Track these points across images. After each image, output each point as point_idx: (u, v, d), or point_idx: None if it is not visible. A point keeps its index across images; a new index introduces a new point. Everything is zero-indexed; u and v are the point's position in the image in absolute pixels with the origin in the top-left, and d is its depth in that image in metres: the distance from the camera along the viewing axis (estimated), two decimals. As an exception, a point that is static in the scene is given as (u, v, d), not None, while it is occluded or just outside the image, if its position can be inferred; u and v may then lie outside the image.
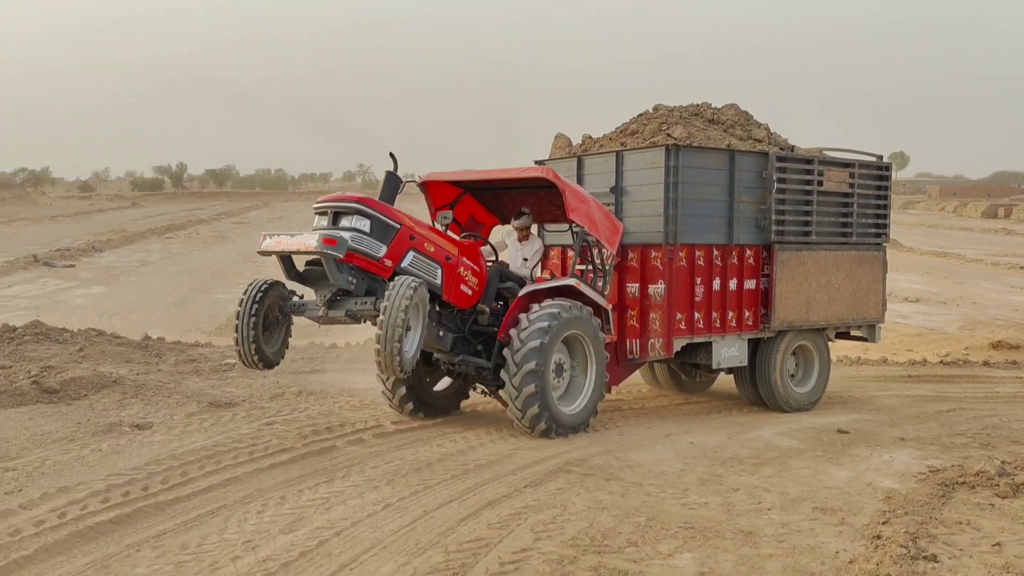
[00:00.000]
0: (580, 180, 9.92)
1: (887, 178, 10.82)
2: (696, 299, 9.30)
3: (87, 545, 5.25)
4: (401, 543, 5.28)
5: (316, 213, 7.84)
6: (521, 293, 8.42)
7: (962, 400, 10.90)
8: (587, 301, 8.60)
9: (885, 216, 10.76)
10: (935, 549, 5.32)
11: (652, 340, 9.17)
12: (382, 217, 7.65)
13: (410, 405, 8.77)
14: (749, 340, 9.82)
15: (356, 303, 7.58)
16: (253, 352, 7.64)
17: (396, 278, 7.26)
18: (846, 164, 10.38)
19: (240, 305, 7.66)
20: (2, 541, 5.26)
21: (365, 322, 7.79)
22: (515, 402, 7.97)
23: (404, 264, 7.72)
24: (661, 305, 9.13)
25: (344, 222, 7.57)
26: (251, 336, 7.59)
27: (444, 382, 9.30)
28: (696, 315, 9.32)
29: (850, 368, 13.51)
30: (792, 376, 10.17)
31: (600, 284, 8.87)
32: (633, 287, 9.34)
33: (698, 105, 10.45)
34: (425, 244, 7.91)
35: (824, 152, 10.55)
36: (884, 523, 5.81)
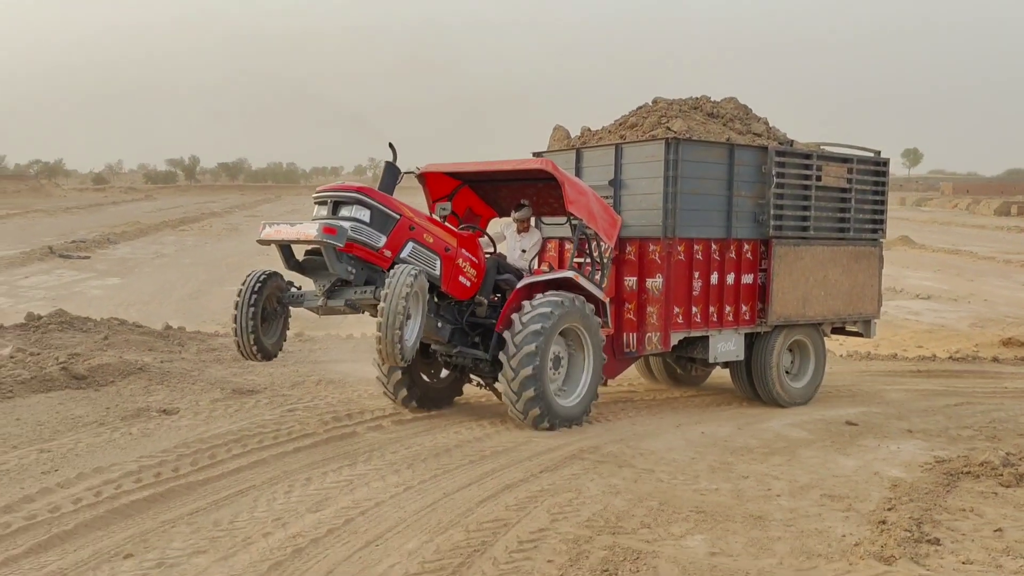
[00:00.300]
0: (578, 172, 9.92)
1: (884, 173, 10.82)
2: (694, 293, 9.31)
3: (124, 521, 5.50)
4: (423, 522, 5.51)
5: (316, 203, 7.86)
6: (519, 285, 8.44)
7: (970, 395, 11.04)
8: (585, 294, 8.61)
9: (882, 212, 10.77)
10: (938, 533, 5.51)
11: (649, 334, 9.19)
12: (382, 207, 7.66)
13: (407, 395, 8.78)
14: (745, 334, 9.85)
15: (356, 292, 7.61)
16: (252, 343, 7.65)
17: (396, 266, 7.30)
18: (844, 159, 10.39)
19: (238, 296, 7.67)
20: (43, 517, 5.50)
21: (364, 312, 7.85)
22: (512, 393, 7.99)
23: (403, 254, 7.74)
24: (659, 299, 9.12)
25: (344, 212, 7.59)
26: (250, 327, 7.61)
27: (441, 373, 9.28)
28: (693, 309, 9.32)
29: (860, 363, 13.67)
30: (788, 371, 10.20)
31: (598, 277, 8.89)
32: (631, 280, 9.35)
33: (697, 99, 10.44)
34: (424, 235, 7.92)
35: (822, 147, 10.58)
36: (889, 509, 6.00)
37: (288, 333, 8.23)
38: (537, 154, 10.52)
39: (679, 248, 9.16)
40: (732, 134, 9.91)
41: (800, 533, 5.51)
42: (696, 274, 9.30)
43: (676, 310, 9.19)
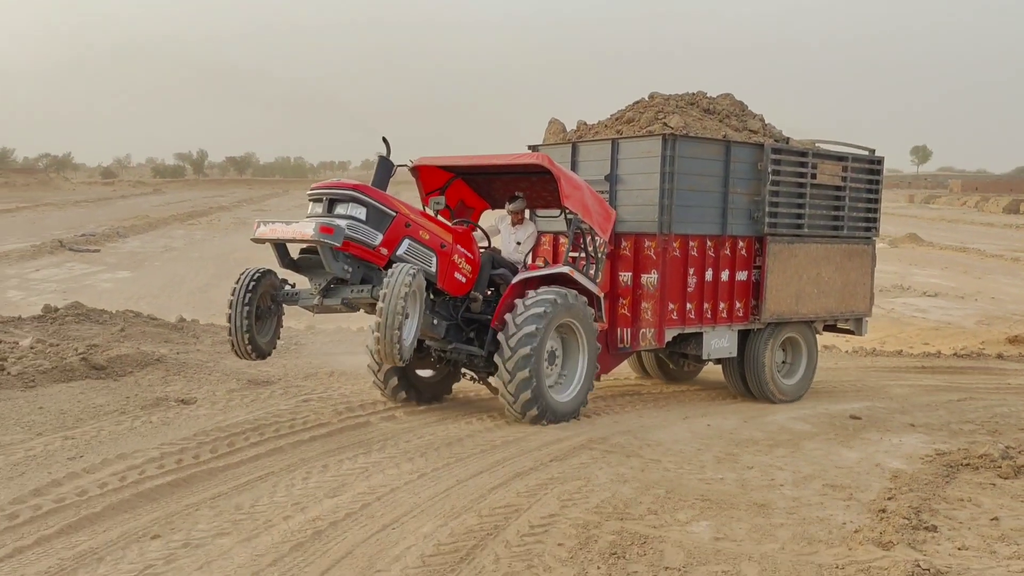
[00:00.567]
0: (574, 166, 9.88)
1: (879, 172, 10.83)
2: (688, 290, 9.31)
3: (149, 504, 5.70)
4: (438, 507, 5.70)
5: (311, 200, 7.80)
6: (514, 281, 8.43)
7: (973, 390, 11.18)
8: (580, 289, 8.61)
9: (876, 210, 10.80)
10: (936, 521, 5.68)
11: (644, 330, 9.19)
12: (378, 205, 7.60)
13: (400, 391, 8.76)
14: (739, 331, 9.88)
15: (352, 291, 7.55)
16: (247, 342, 7.60)
17: (394, 265, 7.24)
18: (839, 157, 10.41)
19: (232, 295, 7.60)
20: (71, 500, 5.71)
21: (360, 310, 7.84)
22: (508, 389, 7.97)
23: (400, 252, 7.69)
24: (654, 295, 9.12)
25: (340, 209, 7.53)
26: (244, 326, 7.54)
27: (433, 367, 9.18)
28: (688, 306, 9.33)
29: (866, 359, 13.82)
30: (780, 368, 10.24)
31: (592, 271, 8.90)
32: (625, 276, 9.32)
33: (693, 94, 10.43)
34: (420, 232, 7.87)
35: (817, 144, 10.58)
36: (889, 499, 6.17)
37: (282, 331, 8.18)
38: (533, 147, 10.49)
39: (674, 244, 9.17)
40: (728, 131, 9.94)
41: (802, 520, 5.69)
42: (691, 270, 9.32)
43: (671, 306, 9.21)
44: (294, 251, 7.80)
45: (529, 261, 9.25)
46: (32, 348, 10.15)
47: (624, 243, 9.34)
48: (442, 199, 8.43)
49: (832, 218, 10.38)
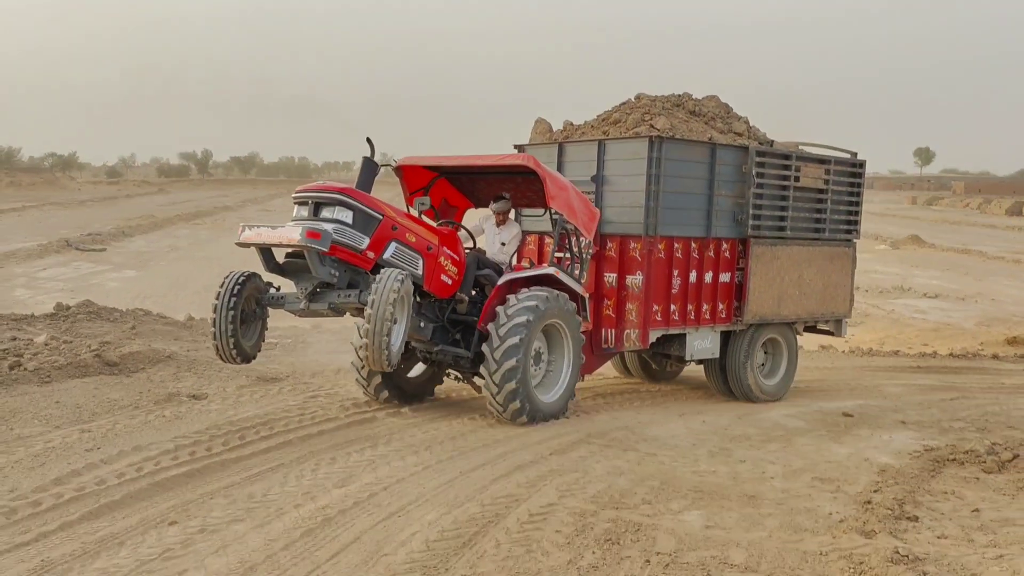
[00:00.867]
0: (560, 167, 9.89)
1: (860, 175, 10.91)
2: (673, 291, 9.36)
3: (166, 493, 5.97)
4: (442, 497, 5.96)
5: (296, 203, 7.73)
6: (500, 282, 8.43)
7: (966, 389, 11.40)
8: (565, 289, 8.63)
9: (857, 213, 10.90)
10: (918, 512, 5.93)
11: (628, 331, 9.25)
12: (364, 208, 7.54)
13: (384, 392, 8.75)
14: (721, 332, 9.97)
15: (339, 296, 7.49)
16: (232, 347, 7.54)
17: (382, 271, 7.18)
18: (822, 160, 10.50)
19: (217, 298, 7.54)
20: (91, 489, 5.98)
21: (346, 315, 7.84)
22: (494, 383, 7.96)
23: (386, 255, 7.64)
24: (638, 296, 9.17)
25: (326, 213, 7.48)
26: (229, 330, 7.48)
27: (417, 368, 9.24)
28: (672, 307, 9.38)
29: (862, 359, 14.04)
30: (761, 368, 10.33)
31: (577, 272, 8.92)
32: (611, 277, 9.37)
33: (679, 96, 10.46)
34: (407, 234, 7.83)
35: (801, 147, 10.66)
36: (876, 491, 6.42)
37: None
38: (519, 147, 10.51)
39: (660, 246, 9.23)
40: (714, 133, 9.98)
41: (790, 511, 5.94)
42: (676, 272, 9.37)
43: (655, 308, 9.26)
44: (279, 255, 7.73)
45: (514, 262, 9.26)
46: (47, 345, 10.42)
47: (610, 244, 9.41)
48: (427, 200, 8.37)
49: (814, 220, 10.47)
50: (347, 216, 7.45)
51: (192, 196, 69.86)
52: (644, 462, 7.07)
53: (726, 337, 10.05)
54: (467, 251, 8.76)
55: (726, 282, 9.83)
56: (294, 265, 7.62)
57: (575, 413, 8.94)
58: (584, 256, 9.03)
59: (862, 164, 10.92)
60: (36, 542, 5.07)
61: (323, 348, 12.49)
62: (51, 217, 44.16)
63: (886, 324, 18.68)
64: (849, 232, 10.87)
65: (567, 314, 8.47)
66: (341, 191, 7.55)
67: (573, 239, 8.94)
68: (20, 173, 78.40)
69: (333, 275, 7.42)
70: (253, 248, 7.60)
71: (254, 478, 6.33)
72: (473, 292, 8.62)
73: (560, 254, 9.04)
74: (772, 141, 10.55)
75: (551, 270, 8.63)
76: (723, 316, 9.84)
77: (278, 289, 7.94)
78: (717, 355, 10.00)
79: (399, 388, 8.88)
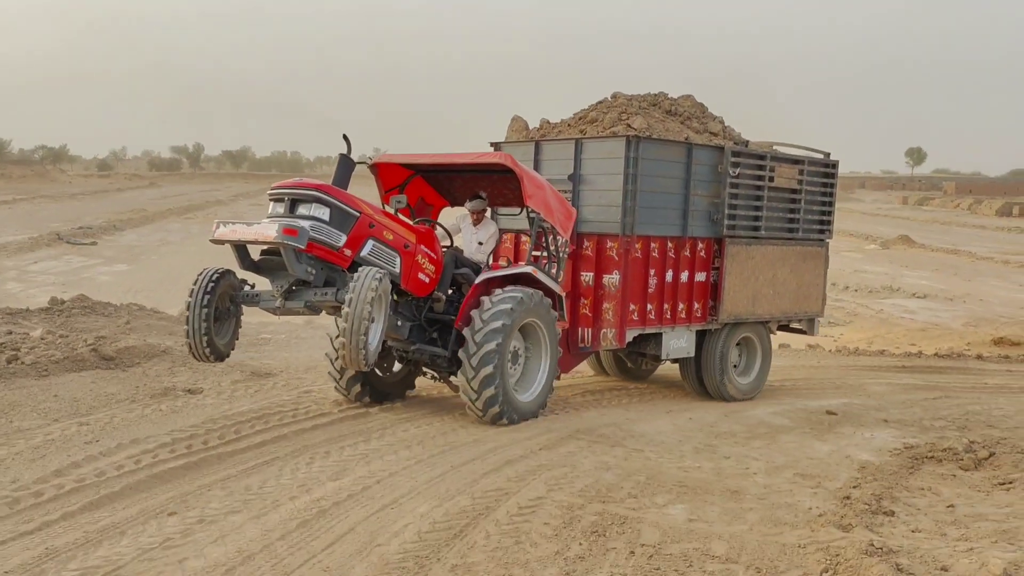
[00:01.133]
0: (537, 165, 9.86)
1: (833, 175, 11.00)
2: (649, 290, 9.39)
3: (164, 485, 6.12)
4: (433, 490, 6.12)
5: (271, 200, 7.64)
6: (477, 280, 8.40)
7: (949, 389, 11.60)
8: (543, 288, 8.61)
9: (830, 213, 10.99)
10: (895, 507, 6.13)
11: (605, 330, 9.26)
12: (341, 205, 7.47)
13: (359, 390, 8.70)
14: (696, 331, 10.04)
15: (316, 294, 7.42)
16: (205, 345, 7.44)
17: (359, 269, 7.11)
18: (796, 160, 10.56)
19: (190, 296, 7.44)
20: (91, 481, 6.13)
21: (322, 313, 7.81)
22: (472, 390, 7.93)
23: (363, 253, 7.58)
24: (615, 295, 9.18)
25: (302, 210, 7.38)
26: (203, 328, 7.38)
27: (393, 367, 9.19)
28: (649, 306, 9.42)
29: (848, 358, 14.24)
30: (735, 367, 10.42)
31: (554, 271, 8.92)
32: (587, 276, 9.37)
33: (655, 95, 10.46)
34: (384, 232, 7.76)
35: (775, 147, 10.72)
36: (855, 487, 6.61)
37: (240, 332, 7.99)
38: (495, 145, 10.46)
39: (637, 245, 9.25)
40: (690, 133, 10.03)
41: (771, 505, 6.12)
42: (652, 271, 9.42)
43: (632, 307, 9.29)
44: (255, 252, 7.65)
45: (491, 261, 9.18)
46: (43, 339, 10.55)
47: (586, 243, 9.42)
48: (404, 198, 8.22)
49: (788, 220, 10.55)
50: (324, 213, 7.37)
51: (184, 190, 69.75)
52: (631, 457, 7.25)
53: (701, 336, 10.13)
54: (444, 249, 8.73)
55: (702, 281, 9.91)
56: (270, 263, 7.53)
57: (564, 410, 9.12)
58: (561, 255, 9.04)
59: (835, 164, 11.02)
60: (39, 531, 5.22)
61: (316, 344, 12.63)
62: (42, 210, 44.08)
63: (874, 324, 18.90)
64: (822, 232, 10.98)
65: (544, 313, 8.48)
66: (318, 188, 7.48)
67: (550, 238, 8.94)
68: (10, 166, 78.07)
69: (310, 273, 7.35)
70: (228, 245, 7.50)
71: (250, 471, 6.49)
72: (450, 291, 8.60)
73: (537, 253, 9.01)
74: (747, 141, 10.62)
75: (529, 269, 8.60)
76: (699, 315, 9.93)
77: (252, 287, 7.86)
78: (693, 354, 10.08)
79: (374, 387, 8.83)
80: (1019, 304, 21.87)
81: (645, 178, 9.18)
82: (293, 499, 5.86)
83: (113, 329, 11.87)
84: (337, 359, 8.62)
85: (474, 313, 8.08)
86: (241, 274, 7.80)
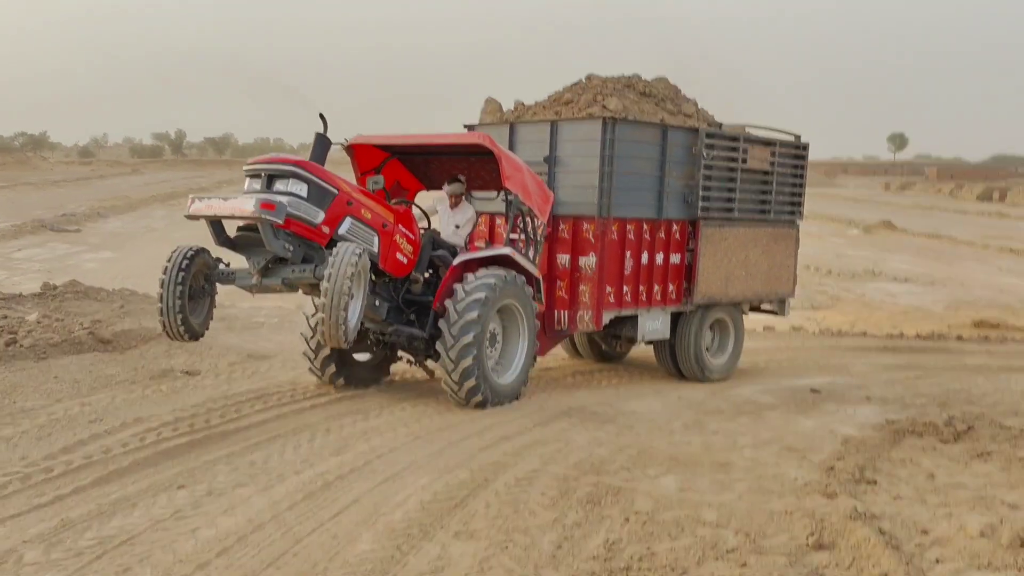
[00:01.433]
0: (512, 147, 9.76)
1: (804, 157, 11.07)
2: (626, 273, 9.39)
3: (170, 461, 6.28)
4: (433, 464, 6.33)
5: (248, 175, 7.53)
6: (455, 262, 8.31)
7: (930, 368, 11.87)
8: (521, 271, 8.58)
9: (800, 195, 11.06)
10: (877, 477, 6.38)
11: (581, 312, 9.26)
12: (320, 181, 7.38)
13: (333, 371, 8.61)
14: (671, 313, 10.09)
15: (294, 271, 7.32)
16: (179, 323, 7.36)
17: (339, 245, 7.02)
18: (768, 142, 10.59)
19: (164, 274, 7.34)
20: (98, 457, 6.29)
21: (299, 290, 7.74)
22: (451, 373, 7.88)
23: (341, 231, 7.48)
24: (592, 278, 9.18)
25: (279, 186, 7.28)
26: (177, 306, 7.29)
27: (369, 352, 9.05)
28: (625, 288, 9.42)
29: (831, 339, 14.51)
30: (708, 348, 10.46)
31: (531, 253, 8.89)
32: (563, 258, 9.38)
33: (629, 77, 10.38)
34: (362, 210, 7.66)
35: (747, 129, 10.71)
36: (839, 459, 6.86)
37: (215, 312, 7.97)
38: (469, 127, 10.40)
39: (613, 228, 9.24)
40: (665, 115, 10.03)
41: (759, 476, 6.36)
42: (628, 254, 9.42)
43: (608, 289, 9.28)
44: (231, 228, 7.54)
45: (468, 244, 9.02)
46: (39, 323, 10.64)
47: (562, 225, 9.40)
48: (380, 179, 8.13)
49: (760, 202, 10.61)
50: (302, 189, 7.28)
51: (167, 177, 69.22)
52: (622, 433, 7.47)
53: (675, 318, 10.20)
54: (422, 231, 8.68)
55: (676, 263, 9.96)
56: (246, 239, 7.42)
57: (555, 389, 9.34)
58: (539, 238, 9.03)
59: (805, 147, 11.11)
60: (52, 504, 5.38)
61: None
62: (24, 197, 43.71)
63: (857, 307, 19.18)
64: (792, 213, 11.08)
65: (523, 295, 8.46)
66: (296, 163, 7.39)
67: (528, 220, 8.91)
68: (-9, 153, 77.37)
69: (287, 249, 7.23)
70: (203, 220, 7.39)
71: (253, 447, 6.66)
72: (428, 273, 8.55)
73: (514, 235, 8.94)
74: (720, 124, 10.65)
75: (507, 250, 8.54)
76: (673, 297, 9.98)
77: (227, 265, 7.79)
78: (668, 336, 10.13)
79: (350, 372, 8.75)
80: (999, 288, 22.23)
81: (621, 160, 9.17)
82: (297, 473, 6.05)
83: (108, 313, 11.96)
84: (314, 336, 8.49)
85: (457, 286, 8.04)
86: (216, 251, 7.69)
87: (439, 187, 9.34)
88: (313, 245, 7.45)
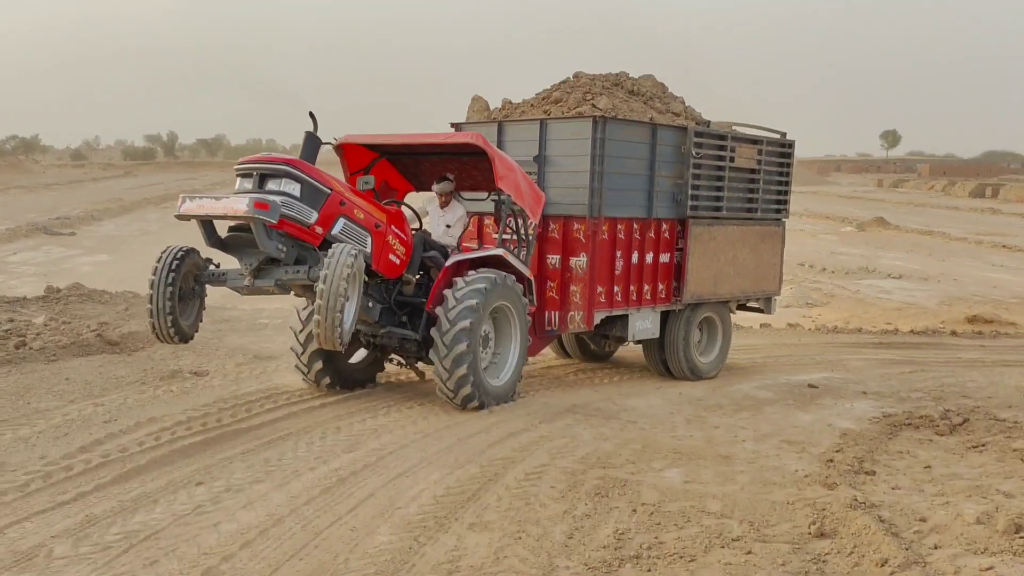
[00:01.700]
0: (500, 146, 9.65)
1: (790, 155, 11.11)
2: (616, 272, 9.39)
3: (187, 459, 6.42)
4: (443, 460, 6.49)
5: (239, 175, 7.40)
6: (448, 263, 8.26)
7: (925, 363, 12.06)
8: (512, 271, 8.53)
9: (786, 192, 11.13)
10: (876, 468, 6.56)
11: (572, 312, 9.23)
12: (312, 181, 7.28)
13: (326, 378, 8.53)
14: (660, 312, 10.09)
15: (287, 272, 7.22)
16: (169, 325, 7.28)
17: (334, 246, 6.95)
18: (754, 141, 10.64)
19: (154, 275, 7.25)
20: (115, 456, 6.42)
21: (292, 292, 7.67)
22: (445, 374, 7.81)
23: (334, 231, 7.41)
24: (583, 278, 9.15)
25: (271, 185, 7.17)
26: (167, 308, 7.20)
27: (359, 354, 9.03)
28: (616, 288, 9.42)
29: (827, 336, 14.70)
30: (697, 346, 10.46)
31: (523, 254, 8.84)
32: (554, 259, 9.34)
33: (617, 75, 10.39)
34: (355, 211, 7.59)
35: (734, 128, 10.75)
36: (837, 451, 7.04)
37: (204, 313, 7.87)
38: (456, 125, 10.32)
39: (604, 227, 9.22)
40: (654, 113, 10.02)
41: (760, 468, 6.54)
42: (619, 253, 9.41)
43: (599, 289, 9.27)
44: (221, 229, 7.43)
45: (460, 244, 8.93)
46: (46, 325, 10.78)
47: (552, 226, 9.37)
48: (371, 179, 8.04)
49: (747, 200, 10.66)
50: (295, 189, 7.19)
51: (160, 179, 69.19)
52: (626, 429, 7.64)
53: (664, 317, 10.20)
54: (413, 232, 8.61)
55: (666, 263, 9.97)
56: (237, 239, 7.31)
57: (559, 387, 9.50)
58: (530, 238, 8.99)
59: (791, 144, 11.17)
60: (76, 501, 5.52)
61: (312, 328, 12.90)
62: (17, 201, 43.71)
63: (851, 304, 19.36)
64: (779, 211, 11.15)
65: (515, 296, 8.42)
66: (289, 162, 7.29)
67: (519, 221, 8.86)
68: (-17, 157, 77.20)
69: (280, 250, 7.13)
70: (194, 221, 7.29)
71: (266, 445, 6.81)
72: (419, 274, 8.47)
73: (506, 236, 8.85)
74: (708, 122, 10.68)
75: (499, 251, 8.49)
76: (663, 296, 10.00)
77: (218, 265, 7.70)
78: (657, 335, 10.12)
79: (340, 375, 8.66)
80: (992, 283, 22.44)
81: (612, 159, 9.15)
82: (312, 469, 6.20)
83: (113, 315, 12.10)
84: (303, 331, 8.41)
85: (447, 292, 7.97)
86: (207, 252, 7.60)
87: (428, 188, 9.30)
88: (306, 246, 7.39)
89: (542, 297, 9.41)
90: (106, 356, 9.78)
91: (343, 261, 6.74)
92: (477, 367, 7.94)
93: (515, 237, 8.91)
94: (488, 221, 9.78)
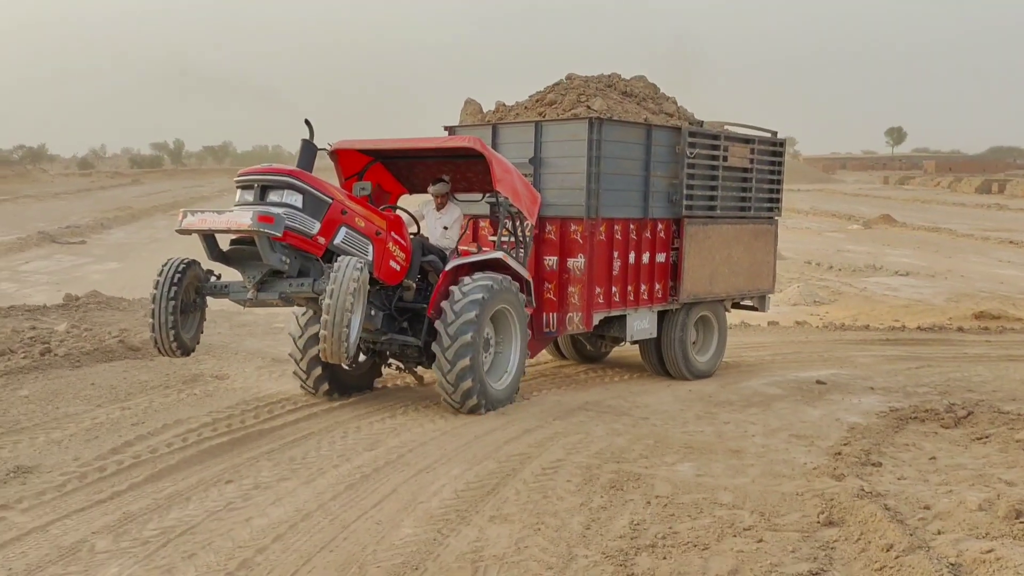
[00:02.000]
0: (495, 149, 9.63)
1: (781, 154, 11.28)
2: (614, 273, 9.45)
3: (215, 459, 6.65)
4: (462, 456, 6.70)
5: (239, 187, 7.35)
6: (447, 268, 8.26)
7: (932, 359, 12.23)
8: (511, 274, 8.55)
9: (778, 191, 11.26)
10: (883, 460, 6.76)
11: (571, 314, 9.26)
12: (314, 191, 7.23)
13: (325, 385, 8.50)
14: (657, 312, 10.17)
15: (291, 285, 7.17)
16: (172, 339, 7.24)
17: (338, 258, 6.92)
18: (747, 140, 10.76)
19: (155, 288, 7.20)
20: (146, 457, 6.66)
21: (296, 304, 7.63)
22: (447, 375, 7.80)
23: (337, 241, 7.38)
24: (580, 279, 9.19)
25: (273, 197, 7.12)
26: (169, 322, 7.15)
27: (357, 360, 8.91)
28: (613, 289, 9.47)
29: (834, 333, 14.86)
30: (693, 345, 10.53)
31: (521, 255, 8.85)
32: (551, 260, 9.37)
33: (609, 76, 10.45)
34: (356, 219, 7.56)
35: (726, 127, 10.87)
36: (845, 444, 7.23)
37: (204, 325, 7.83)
38: (449, 128, 10.37)
39: (601, 228, 9.27)
40: (647, 114, 10.11)
41: (770, 462, 6.74)
42: (616, 254, 9.46)
43: (597, 290, 9.31)
44: (223, 242, 7.40)
45: (458, 247, 8.92)
46: (69, 332, 11.04)
47: (549, 227, 9.39)
48: (368, 184, 8.00)
49: (740, 199, 10.77)
50: (297, 200, 7.13)
51: (167, 186, 69.66)
52: (639, 425, 7.85)
53: (661, 316, 10.27)
54: (412, 236, 8.61)
55: (662, 262, 10.05)
56: (239, 252, 7.25)
57: (570, 385, 9.71)
58: (527, 240, 9.02)
59: (782, 143, 11.36)
60: (112, 499, 5.75)
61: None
62: (26, 210, 44.05)
63: (859, 301, 19.51)
64: (771, 209, 11.27)
65: (515, 299, 8.43)
66: (290, 173, 7.23)
67: (516, 222, 8.89)
68: (-8, 166, 77.77)
69: (284, 262, 7.09)
70: (196, 235, 7.22)
71: (290, 444, 7.03)
72: (418, 279, 8.43)
73: (504, 238, 8.86)
74: (701, 122, 10.78)
75: (499, 254, 8.50)
76: (660, 296, 10.07)
77: (219, 277, 7.66)
78: (655, 335, 10.18)
79: (339, 381, 8.65)
80: (998, 279, 22.55)
81: (608, 160, 9.21)
82: (336, 467, 6.42)
83: (133, 322, 12.35)
84: (302, 336, 8.41)
85: (444, 304, 7.92)
86: (208, 265, 7.57)
87: (422, 191, 9.34)
88: (309, 256, 7.36)
89: (539, 299, 9.46)
90: (129, 361, 10.03)
91: (349, 275, 6.70)
92: (481, 376, 7.98)
93: (512, 239, 8.97)
94: (483, 224, 9.80)
